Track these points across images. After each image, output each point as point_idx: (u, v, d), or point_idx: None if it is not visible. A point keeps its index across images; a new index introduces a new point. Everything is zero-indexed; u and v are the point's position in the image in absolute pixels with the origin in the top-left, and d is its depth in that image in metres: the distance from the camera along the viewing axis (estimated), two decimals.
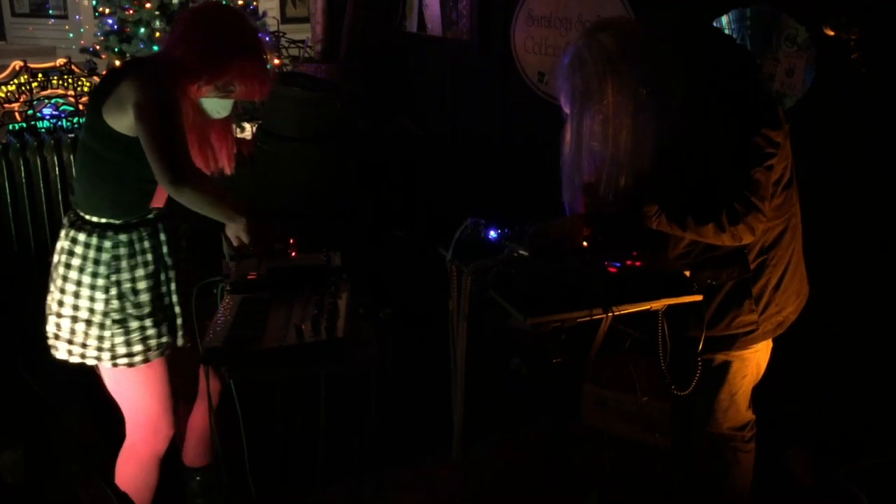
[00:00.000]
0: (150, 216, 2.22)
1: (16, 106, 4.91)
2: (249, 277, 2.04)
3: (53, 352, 2.24)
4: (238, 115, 4.77)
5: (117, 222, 2.17)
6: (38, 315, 2.26)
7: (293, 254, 2.17)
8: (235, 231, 2.11)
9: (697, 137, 2.06)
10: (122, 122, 2.07)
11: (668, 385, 2.35)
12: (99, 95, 2.11)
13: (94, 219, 2.17)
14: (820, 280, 2.42)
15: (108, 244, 2.15)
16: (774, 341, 2.34)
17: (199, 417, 2.52)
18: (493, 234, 2.32)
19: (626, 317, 2.18)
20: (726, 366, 2.30)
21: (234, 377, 1.76)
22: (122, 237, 2.16)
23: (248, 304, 1.94)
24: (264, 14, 5.21)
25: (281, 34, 5.26)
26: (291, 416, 2.31)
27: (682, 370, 2.25)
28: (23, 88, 4.86)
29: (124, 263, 2.16)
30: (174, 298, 2.27)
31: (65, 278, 2.18)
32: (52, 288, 2.22)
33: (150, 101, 2.01)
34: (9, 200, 3.82)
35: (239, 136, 5.08)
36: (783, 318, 2.28)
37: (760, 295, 2.21)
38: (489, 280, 2.12)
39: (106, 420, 2.57)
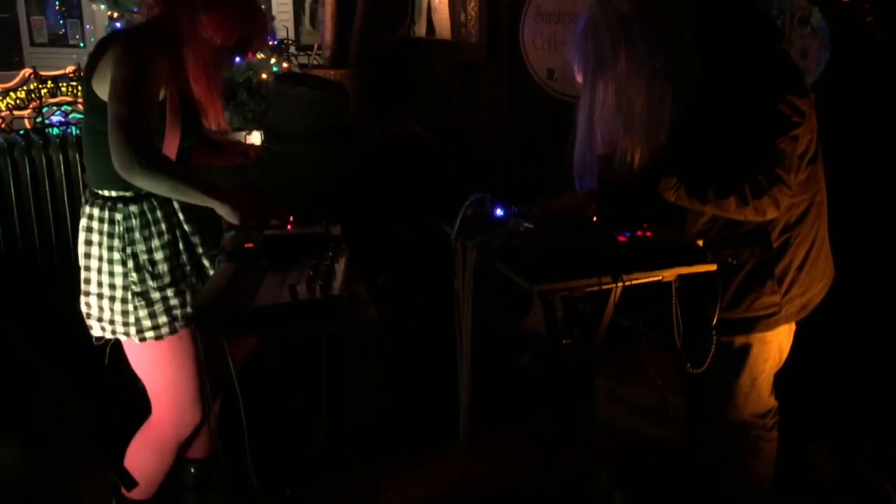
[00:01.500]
0: None
1: (25, 113, 4.92)
2: (246, 246, 1.98)
3: (91, 331, 2.23)
4: (247, 121, 4.76)
5: (127, 194, 2.14)
6: (42, 313, 2.24)
7: (289, 227, 2.12)
8: (223, 214, 2.10)
9: (717, 106, 1.98)
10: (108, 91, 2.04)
11: (681, 374, 2.27)
12: (89, 68, 2.09)
13: (105, 192, 2.15)
14: (843, 264, 2.32)
15: (119, 217, 2.13)
16: (798, 326, 2.24)
17: None
18: (499, 211, 2.26)
19: (633, 309, 2.13)
20: (746, 349, 2.19)
21: (226, 336, 1.70)
22: (133, 208, 2.14)
23: (242, 271, 1.88)
24: (273, 18, 5.22)
25: (290, 41, 5.27)
26: (291, 397, 2.24)
27: (700, 353, 2.16)
28: (32, 95, 4.88)
29: (137, 235, 2.14)
30: (205, 262, 2.25)
31: (87, 255, 2.18)
32: (80, 267, 2.21)
33: (122, 77, 1.97)
34: (14, 199, 3.80)
35: (248, 141, 5.08)
36: (807, 301, 2.17)
37: (783, 275, 2.11)
38: (493, 251, 2.05)
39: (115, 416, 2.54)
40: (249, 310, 1.64)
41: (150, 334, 2.16)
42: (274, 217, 2.16)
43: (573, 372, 2.33)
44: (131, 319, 2.15)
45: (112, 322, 2.17)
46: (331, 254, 1.92)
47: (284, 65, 4.88)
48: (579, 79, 2.06)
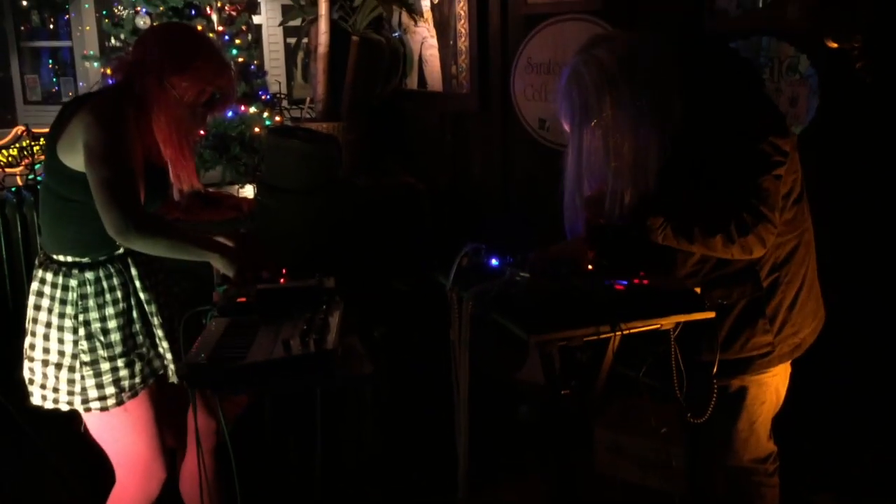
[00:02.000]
0: (119, 252, 2.15)
1: (17, 170, 4.92)
2: (238, 301, 1.95)
3: (31, 398, 2.17)
4: (240, 175, 4.77)
5: (83, 260, 2.10)
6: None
7: (282, 281, 2.09)
8: (220, 267, 2.06)
9: (701, 147, 1.99)
10: (77, 160, 2.01)
11: (681, 424, 2.24)
12: (53, 134, 2.06)
13: (61, 258, 2.11)
14: (836, 306, 2.31)
15: (73, 283, 2.08)
16: (799, 372, 2.22)
17: (192, 460, 2.38)
18: (494, 261, 2.24)
19: (632, 358, 2.10)
20: (743, 392, 2.18)
21: (219, 394, 1.66)
22: (89, 275, 2.09)
23: (235, 325, 1.85)
24: (265, 73, 5.27)
25: (282, 95, 5.31)
26: (285, 452, 2.19)
27: (697, 400, 2.14)
28: (24, 153, 4.88)
29: (91, 302, 2.09)
30: (159, 333, 2.20)
31: (34, 321, 2.12)
32: (26, 331, 2.16)
33: (98, 141, 1.95)
34: (5, 257, 3.77)
35: (241, 195, 5.08)
36: (800, 340, 2.16)
37: (775, 314, 2.11)
38: (490, 301, 2.03)
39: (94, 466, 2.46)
40: (242, 366, 1.60)
41: (95, 405, 2.10)
42: (268, 270, 2.13)
43: (572, 423, 2.29)
44: (77, 388, 2.09)
45: (56, 390, 2.11)
46: (325, 307, 1.90)
47: (277, 118, 4.90)
48: (566, 127, 2.09)
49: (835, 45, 2.31)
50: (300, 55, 6.05)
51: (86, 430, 2.22)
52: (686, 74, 2.01)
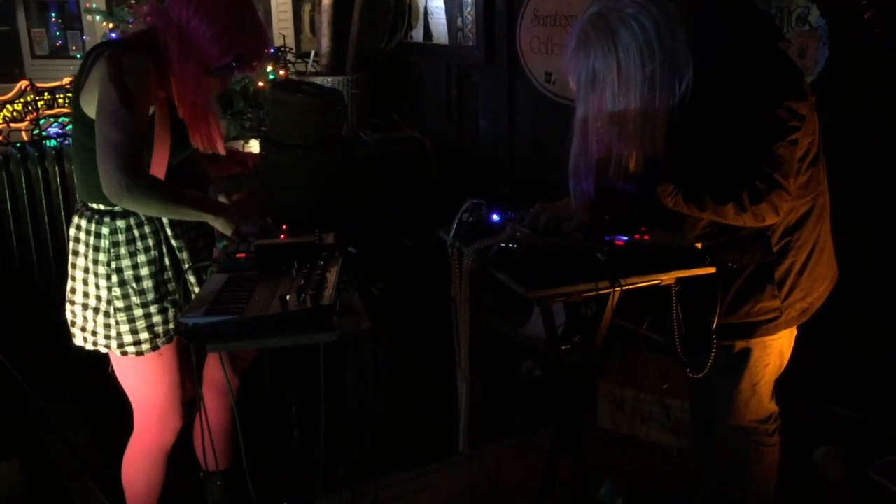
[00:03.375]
0: None
1: (22, 125, 4.90)
2: (238, 256, 1.95)
3: (73, 339, 2.23)
4: (244, 130, 4.73)
5: (115, 209, 2.12)
6: (40, 328, 2.22)
7: (282, 237, 2.09)
8: (217, 227, 2.11)
9: (713, 112, 1.95)
10: (95, 108, 1.99)
11: (684, 378, 2.24)
12: (77, 82, 2.06)
13: (93, 205, 2.14)
14: (846, 264, 2.29)
15: (105, 230, 2.11)
16: (800, 329, 2.21)
17: (214, 418, 2.41)
18: (496, 217, 2.23)
19: (637, 313, 2.10)
20: (747, 353, 2.16)
21: (215, 349, 1.67)
22: (120, 223, 2.12)
23: (233, 281, 1.85)
24: (270, 27, 5.20)
25: (287, 49, 5.24)
26: (289, 409, 2.21)
27: (699, 357, 2.13)
28: (29, 107, 4.85)
29: (123, 250, 2.12)
30: (191, 279, 2.23)
31: (73, 265, 2.17)
32: (68, 274, 2.20)
33: (109, 97, 1.93)
34: (10, 212, 3.77)
35: (246, 150, 5.06)
36: (808, 305, 2.14)
37: (784, 280, 2.08)
38: (490, 258, 2.02)
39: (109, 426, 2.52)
40: (238, 321, 1.61)
41: (130, 349, 2.14)
42: (268, 227, 2.13)
43: (575, 377, 2.30)
44: (113, 333, 2.13)
45: (94, 333, 2.16)
46: (322, 263, 1.89)
47: (281, 72, 4.85)
48: (573, 88, 2.04)
49: None
50: (307, 7, 5.97)
51: (112, 373, 2.25)
52: (697, 35, 1.94)
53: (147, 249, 2.13)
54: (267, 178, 4.25)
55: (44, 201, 3.85)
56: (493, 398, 2.68)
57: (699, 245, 2.03)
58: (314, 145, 4.18)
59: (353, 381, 1.87)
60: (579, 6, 3.78)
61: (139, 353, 2.15)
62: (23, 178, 3.79)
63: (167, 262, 2.18)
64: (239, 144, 5.01)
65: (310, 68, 5.36)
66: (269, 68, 4.70)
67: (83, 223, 2.13)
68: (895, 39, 2.38)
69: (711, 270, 1.97)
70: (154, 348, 2.16)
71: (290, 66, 5.25)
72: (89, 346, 2.19)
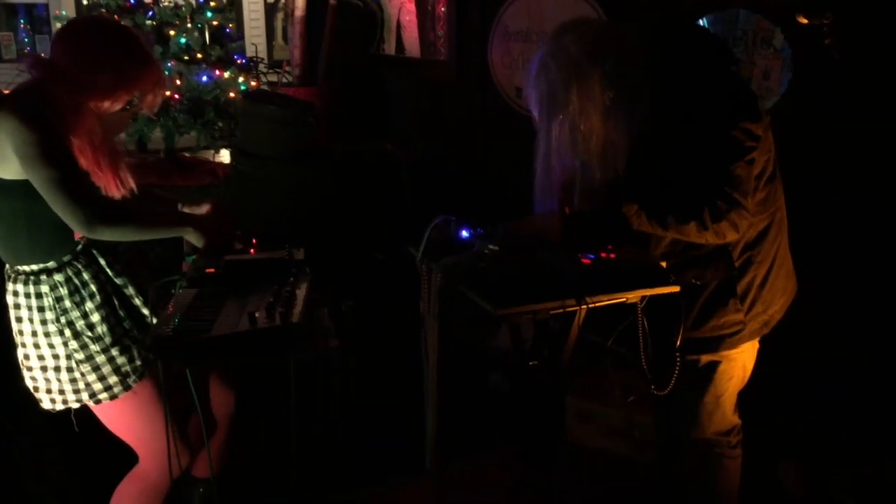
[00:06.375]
0: (80, 247, 2.10)
1: None
2: (207, 272, 1.95)
3: (41, 404, 2.15)
4: (214, 140, 4.72)
5: (49, 265, 2.05)
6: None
7: (252, 251, 2.09)
8: (191, 240, 2.07)
9: (672, 135, 2.00)
10: (7, 168, 1.92)
11: (650, 393, 2.27)
12: None
13: (25, 268, 2.05)
14: (806, 280, 2.34)
15: (45, 289, 2.04)
16: (762, 345, 2.26)
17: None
18: (465, 233, 2.25)
19: (605, 328, 2.12)
20: (712, 367, 2.21)
21: (184, 367, 1.67)
22: (58, 277, 2.05)
23: (202, 297, 1.85)
24: (241, 37, 5.20)
25: (259, 59, 5.24)
26: (254, 424, 2.21)
27: (665, 373, 2.17)
28: None
29: (68, 303, 2.05)
30: (145, 311, 2.18)
31: (20, 332, 2.09)
32: (16, 343, 2.13)
33: (31, 142, 1.85)
34: None
35: (216, 160, 5.04)
36: (769, 318, 2.20)
37: (746, 293, 2.14)
38: (459, 275, 2.04)
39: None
40: (206, 339, 1.60)
41: (103, 396, 2.09)
42: (238, 240, 2.13)
43: (543, 392, 2.32)
44: (81, 385, 2.08)
45: (62, 392, 2.09)
46: (292, 279, 1.90)
47: (253, 83, 4.85)
48: (535, 116, 2.09)
49: (805, 21, 2.31)
50: (279, 16, 5.98)
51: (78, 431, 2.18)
52: (656, 62, 2.01)
53: (92, 295, 2.07)
54: (237, 190, 4.24)
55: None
56: (462, 412, 2.68)
57: (664, 263, 2.07)
58: (285, 157, 4.18)
59: (322, 397, 1.88)
60: (550, 22, 3.82)
61: (113, 398, 2.09)
62: None
63: (115, 301, 2.13)
64: (209, 154, 5.00)
65: (282, 78, 5.36)
66: (241, 79, 4.70)
67: (20, 288, 2.05)
68: (854, 66, 2.44)
69: (676, 289, 2.01)
70: (126, 388, 2.10)
71: (261, 76, 5.25)
72: (59, 406, 2.13)
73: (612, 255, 2.06)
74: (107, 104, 2.03)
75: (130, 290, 2.16)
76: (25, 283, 2.05)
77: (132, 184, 2.11)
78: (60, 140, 1.90)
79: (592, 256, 2.05)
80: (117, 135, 2.18)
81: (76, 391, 2.08)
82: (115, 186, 2.07)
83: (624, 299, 2.00)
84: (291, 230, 3.94)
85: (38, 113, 1.88)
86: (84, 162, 1.99)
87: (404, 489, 2.82)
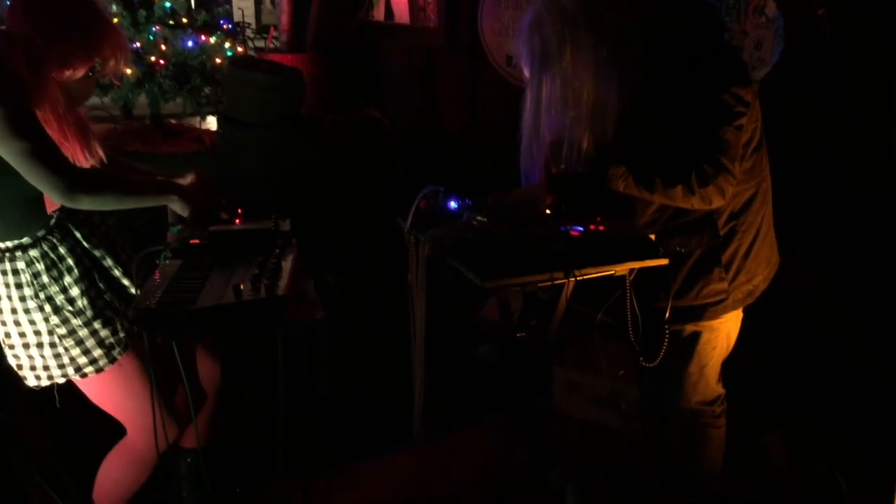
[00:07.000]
0: (53, 220, 2.05)
1: None
2: (191, 243, 1.92)
3: (26, 382, 2.12)
4: (200, 106, 4.65)
5: (24, 241, 2.01)
6: None
7: (237, 221, 2.06)
8: (176, 209, 2.03)
9: (662, 97, 1.99)
10: None
11: (637, 364, 2.28)
12: None
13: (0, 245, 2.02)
14: (793, 251, 2.34)
15: (21, 265, 2.01)
16: (746, 316, 2.27)
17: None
18: (453, 204, 2.23)
19: (592, 297, 2.12)
20: (696, 337, 2.22)
21: (168, 339, 1.65)
22: (34, 253, 2.01)
23: (186, 268, 1.83)
24: (227, 1, 5.11)
25: (246, 24, 5.16)
26: (247, 394, 2.20)
27: (652, 344, 2.17)
28: None
29: (46, 278, 2.01)
30: (125, 282, 2.14)
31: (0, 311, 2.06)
32: None
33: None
34: None
35: (203, 127, 4.98)
36: (753, 287, 2.21)
37: (730, 262, 2.14)
38: (446, 246, 2.03)
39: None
40: (191, 311, 1.59)
41: (89, 369, 2.06)
42: (224, 210, 2.10)
43: (530, 363, 2.32)
44: (65, 360, 2.05)
45: (46, 367, 2.07)
46: (278, 251, 1.88)
47: (239, 49, 4.77)
48: (525, 73, 2.07)
49: None
50: None
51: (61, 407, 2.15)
52: (648, 23, 1.99)
53: (70, 269, 2.03)
54: (223, 157, 4.20)
55: None
56: (449, 383, 2.69)
57: (652, 236, 2.06)
58: (272, 124, 4.14)
59: (308, 369, 1.87)
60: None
61: (99, 371, 2.07)
62: None
63: (95, 274, 2.09)
64: (195, 121, 4.94)
65: (269, 45, 5.29)
66: (227, 45, 4.63)
67: None
68: (846, 36, 2.42)
69: (665, 262, 2.01)
70: (112, 361, 2.07)
71: (248, 42, 5.18)
72: (45, 383, 2.10)
73: (602, 228, 2.05)
74: (68, 72, 1.97)
75: (109, 262, 2.12)
76: (1, 261, 2.01)
77: (101, 153, 2.07)
78: (29, 111, 1.86)
79: (581, 229, 2.04)
80: (83, 103, 2.12)
81: (61, 366, 2.06)
82: (83, 156, 2.03)
83: (612, 272, 1.99)
84: (278, 198, 3.92)
85: (2, 86, 1.83)
86: (50, 133, 1.93)
87: (391, 460, 2.83)
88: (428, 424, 2.33)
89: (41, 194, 1.96)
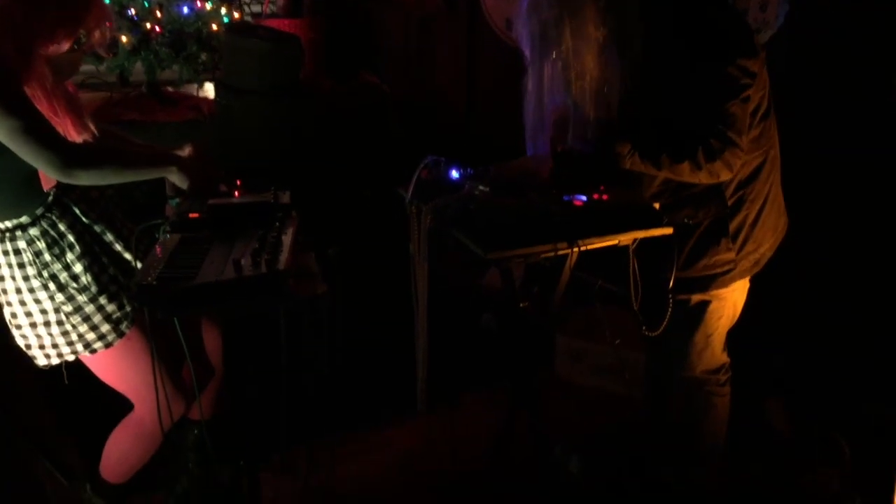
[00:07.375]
0: (51, 198, 2.02)
1: None
2: (190, 216, 1.89)
3: (36, 361, 2.11)
4: (197, 74, 4.59)
5: (23, 220, 1.98)
6: None
7: (237, 194, 2.03)
8: (175, 181, 1.99)
9: (666, 72, 1.97)
10: None
11: (641, 332, 2.27)
12: None
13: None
14: (800, 218, 2.33)
15: (22, 244, 1.98)
16: (752, 284, 2.25)
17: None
18: (454, 173, 2.21)
19: (595, 265, 2.11)
20: (703, 306, 2.21)
21: (169, 316, 1.63)
22: (34, 231, 1.98)
23: (186, 243, 1.80)
24: None
25: None
26: (249, 368, 2.20)
27: (657, 314, 2.16)
28: None
29: (48, 256, 1.99)
30: (128, 256, 2.11)
31: (4, 291, 2.04)
32: (1, 303, 2.08)
33: None
34: None
35: (200, 94, 4.93)
36: (760, 256, 2.20)
37: (738, 232, 2.13)
38: (449, 217, 2.01)
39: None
40: (191, 287, 1.57)
41: (98, 345, 2.05)
42: (223, 182, 2.07)
43: (532, 332, 2.32)
44: (74, 337, 2.03)
45: (55, 346, 2.05)
46: (278, 224, 1.85)
47: (236, 14, 4.70)
48: (526, 54, 2.04)
49: None
50: None
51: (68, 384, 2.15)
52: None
53: (71, 246, 2.01)
54: (222, 125, 4.16)
55: None
56: (452, 353, 2.68)
57: (657, 205, 2.04)
58: (270, 91, 4.10)
59: (310, 342, 1.85)
60: None
61: (108, 346, 2.06)
62: None
63: (97, 249, 2.06)
64: (193, 89, 4.88)
65: (265, 10, 5.21)
66: (223, 10, 4.56)
67: None
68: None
69: (669, 231, 1.99)
70: (120, 335, 2.06)
71: (244, 7, 5.10)
72: (55, 361, 2.09)
73: (605, 197, 2.03)
74: (53, 46, 1.92)
75: (110, 237, 2.10)
76: (1, 241, 2.00)
77: (93, 127, 2.04)
78: (18, 88, 1.82)
79: (584, 198, 2.01)
80: (71, 77, 2.08)
81: (69, 343, 2.05)
82: (74, 131, 1.99)
83: (616, 242, 1.98)
84: (277, 166, 3.89)
85: None
86: (40, 109, 1.90)
87: (395, 432, 2.84)
88: (431, 394, 2.33)
89: (36, 172, 1.94)
